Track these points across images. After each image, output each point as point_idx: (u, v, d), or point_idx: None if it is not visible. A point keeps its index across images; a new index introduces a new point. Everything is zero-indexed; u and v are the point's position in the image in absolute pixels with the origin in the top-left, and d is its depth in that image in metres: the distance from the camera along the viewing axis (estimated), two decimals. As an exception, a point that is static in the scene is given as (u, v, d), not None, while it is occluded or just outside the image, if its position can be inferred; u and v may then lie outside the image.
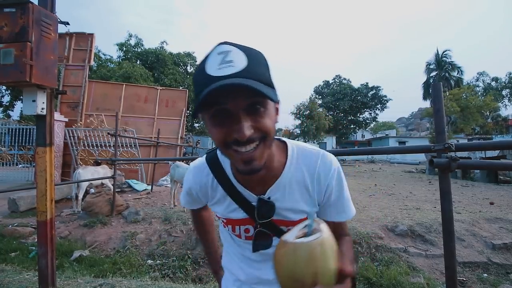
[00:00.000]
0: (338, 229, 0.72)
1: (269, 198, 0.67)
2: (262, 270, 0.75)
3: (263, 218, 0.67)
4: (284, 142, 0.71)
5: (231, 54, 0.50)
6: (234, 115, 0.51)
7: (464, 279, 2.90)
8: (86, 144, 8.10)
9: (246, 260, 0.77)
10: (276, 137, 0.68)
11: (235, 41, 0.53)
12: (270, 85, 0.53)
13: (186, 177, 0.78)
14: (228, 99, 0.50)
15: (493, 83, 32.94)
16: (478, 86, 32.86)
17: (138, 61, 22.14)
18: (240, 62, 0.50)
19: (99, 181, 5.79)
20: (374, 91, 35.80)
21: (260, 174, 0.59)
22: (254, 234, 0.70)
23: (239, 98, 0.50)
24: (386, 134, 40.56)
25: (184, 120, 9.56)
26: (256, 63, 0.52)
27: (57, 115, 7.39)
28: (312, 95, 32.69)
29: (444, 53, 28.01)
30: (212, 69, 0.50)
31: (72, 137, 7.95)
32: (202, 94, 0.49)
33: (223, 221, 0.75)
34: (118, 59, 22.79)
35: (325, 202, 0.70)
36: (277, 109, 0.59)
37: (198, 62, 0.57)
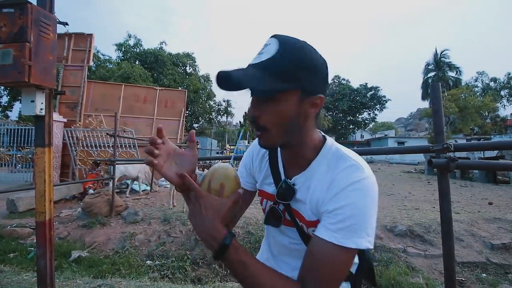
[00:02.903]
0: (307, 256, 0.58)
1: (293, 184, 0.69)
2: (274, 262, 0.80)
3: (283, 200, 0.70)
4: (325, 139, 0.70)
5: (267, 46, 0.57)
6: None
7: (463, 279, 2.91)
8: (85, 145, 8.09)
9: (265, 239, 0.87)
10: (321, 133, 0.72)
11: (286, 34, 0.59)
12: (285, 78, 0.55)
13: (251, 145, 0.88)
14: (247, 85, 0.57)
15: (492, 84, 33.04)
16: (476, 86, 32.97)
17: (137, 61, 22.14)
18: (266, 54, 0.56)
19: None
20: (373, 91, 35.91)
21: (291, 157, 0.70)
22: (268, 208, 0.76)
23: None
24: (385, 135, 40.62)
25: (183, 120, 9.55)
26: (282, 57, 0.55)
27: (56, 116, 7.38)
28: (311, 95, 32.73)
29: (443, 53, 28.09)
30: (253, 57, 0.59)
31: (71, 138, 7.94)
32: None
33: (258, 193, 0.83)
34: (117, 59, 22.78)
35: (323, 211, 0.60)
36: (314, 104, 0.61)
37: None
